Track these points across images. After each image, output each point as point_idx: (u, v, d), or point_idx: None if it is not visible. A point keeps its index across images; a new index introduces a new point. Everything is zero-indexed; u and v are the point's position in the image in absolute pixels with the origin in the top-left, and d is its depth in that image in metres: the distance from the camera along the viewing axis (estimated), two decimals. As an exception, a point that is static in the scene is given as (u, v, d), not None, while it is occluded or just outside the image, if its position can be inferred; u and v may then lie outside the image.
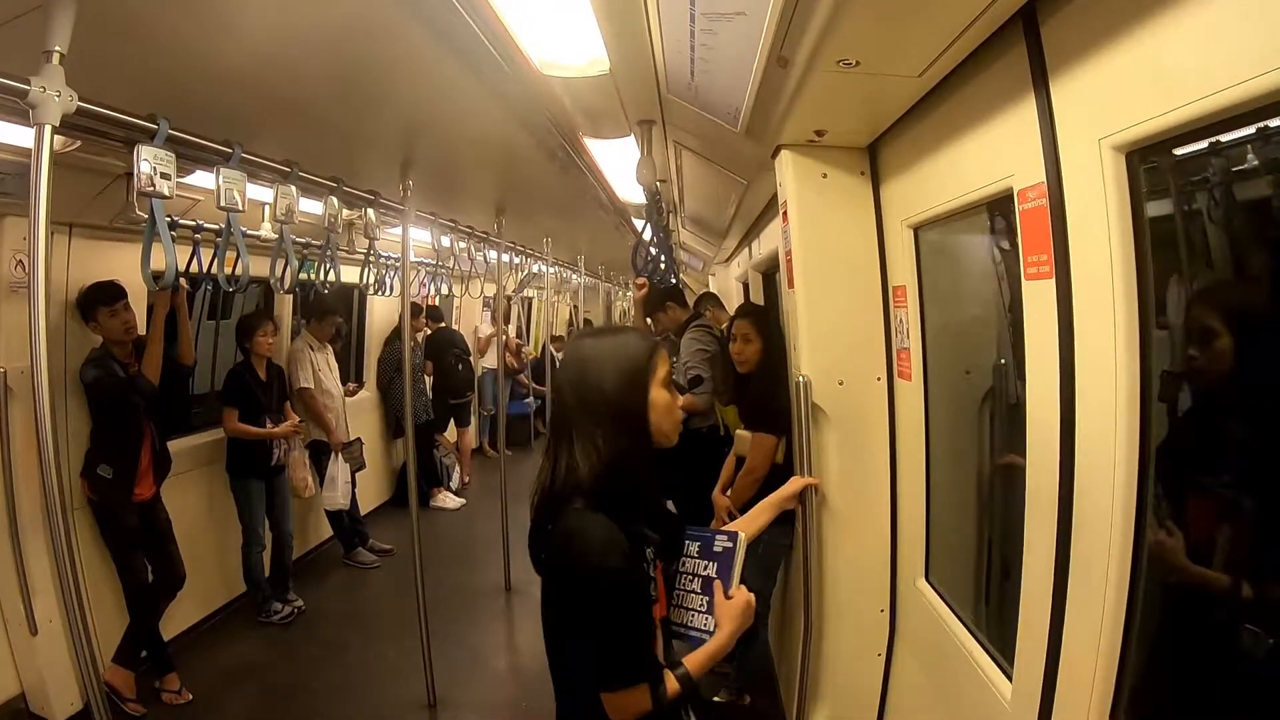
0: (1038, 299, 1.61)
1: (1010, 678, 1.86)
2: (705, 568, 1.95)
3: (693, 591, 1.94)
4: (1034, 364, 1.67)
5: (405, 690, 4.42)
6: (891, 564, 2.68)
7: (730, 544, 1.96)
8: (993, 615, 2.26)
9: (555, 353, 9.99)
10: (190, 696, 4.32)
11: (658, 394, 1.71)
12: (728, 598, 1.88)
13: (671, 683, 1.70)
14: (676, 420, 1.77)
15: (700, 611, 1.91)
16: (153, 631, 4.31)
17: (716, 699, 3.84)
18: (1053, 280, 1.54)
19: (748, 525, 2.22)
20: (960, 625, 2.24)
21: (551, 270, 9.80)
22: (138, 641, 4.22)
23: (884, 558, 2.68)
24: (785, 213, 2.67)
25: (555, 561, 1.64)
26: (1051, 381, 1.56)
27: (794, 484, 2.55)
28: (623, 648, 1.62)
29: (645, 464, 1.73)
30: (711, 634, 1.85)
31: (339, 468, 6.18)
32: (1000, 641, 2.01)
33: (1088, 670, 1.48)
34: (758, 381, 3.65)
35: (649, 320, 5.07)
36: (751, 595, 1.90)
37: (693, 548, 1.95)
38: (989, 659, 2.03)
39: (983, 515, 2.48)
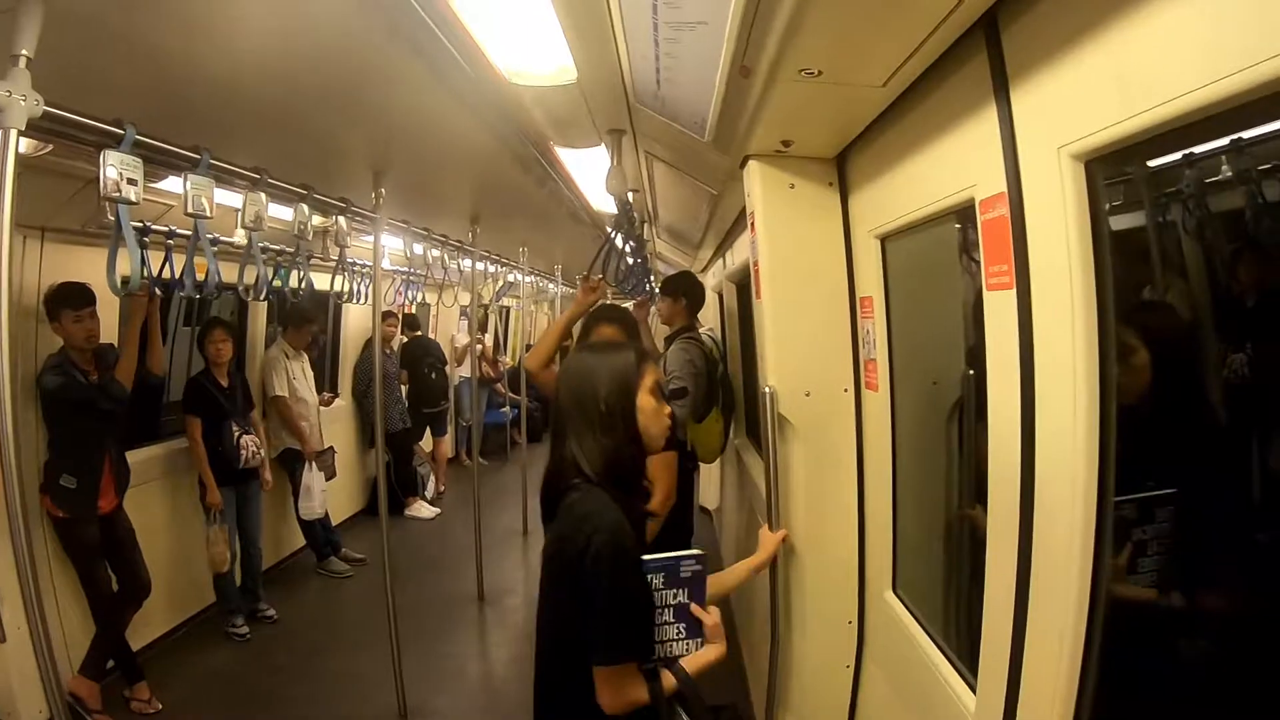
0: (999, 309, 1.60)
1: (975, 690, 1.85)
2: (675, 596, 1.95)
3: (667, 622, 1.94)
4: (995, 375, 1.66)
5: (377, 700, 4.41)
6: (859, 576, 2.66)
7: (699, 566, 1.98)
8: (961, 628, 2.26)
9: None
10: (160, 706, 4.31)
11: (645, 400, 1.92)
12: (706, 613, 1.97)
13: (669, 679, 1.85)
14: (664, 425, 1.97)
15: (679, 640, 1.96)
16: (119, 641, 4.28)
17: None
18: (1013, 291, 1.53)
19: (717, 585, 2.22)
20: (926, 638, 2.23)
21: (528, 280, 9.78)
22: (104, 652, 4.19)
23: (851, 569, 2.66)
24: (753, 223, 2.66)
25: (567, 539, 1.78)
26: (1012, 392, 1.55)
27: (768, 544, 2.54)
28: (626, 622, 1.76)
29: (637, 464, 1.94)
30: None
31: (314, 477, 6.16)
32: (968, 654, 2.00)
33: (1050, 682, 1.47)
34: None
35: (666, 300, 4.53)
36: (718, 613, 2.00)
37: (657, 580, 1.93)
38: (954, 671, 2.02)
39: (950, 527, 2.47)
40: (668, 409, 1.98)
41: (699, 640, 1.96)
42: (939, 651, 2.15)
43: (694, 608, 1.96)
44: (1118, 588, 1.50)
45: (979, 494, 1.88)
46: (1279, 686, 1.46)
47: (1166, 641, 1.71)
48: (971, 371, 2.23)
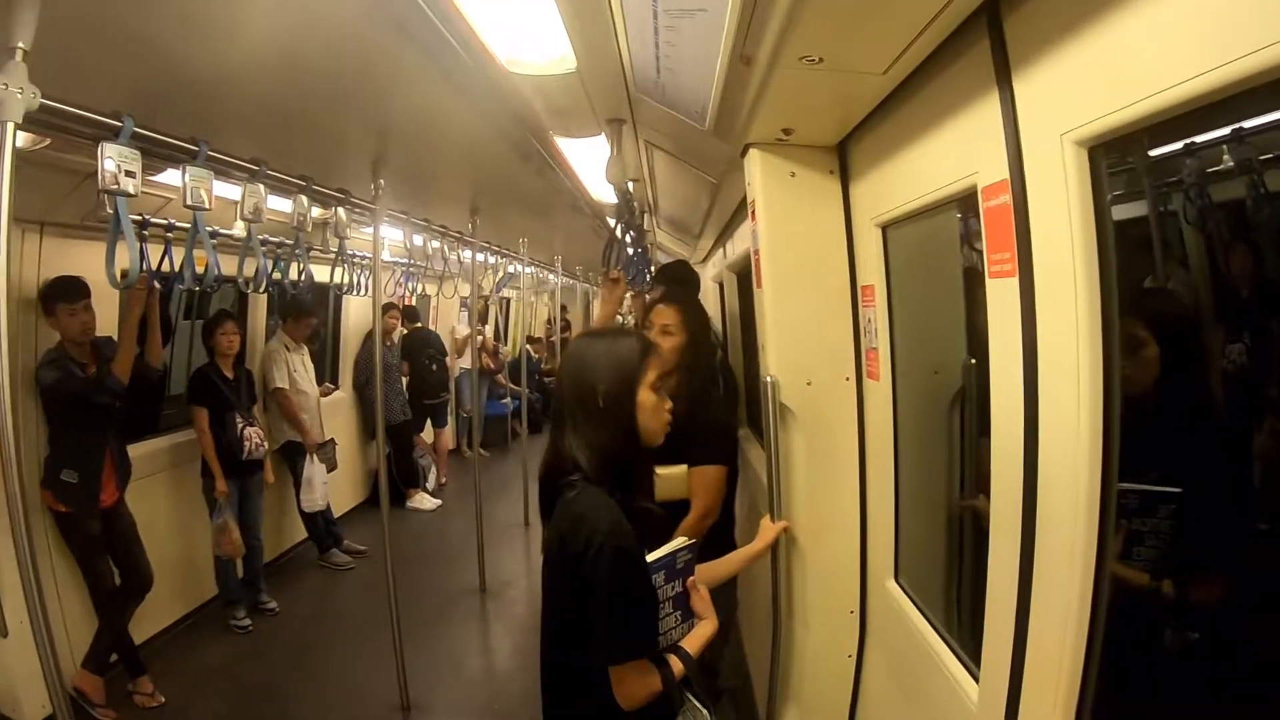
0: (1001, 297, 1.59)
1: (977, 679, 1.84)
2: (674, 589, 1.98)
3: (668, 614, 1.97)
4: (998, 363, 1.65)
5: (378, 693, 4.43)
6: (861, 565, 2.66)
7: (690, 555, 2.02)
8: (963, 617, 2.25)
9: (533, 354, 9.96)
10: (163, 699, 4.33)
11: (645, 395, 1.90)
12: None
13: (675, 664, 1.88)
14: (664, 422, 1.96)
15: (677, 627, 2.00)
16: (122, 635, 4.29)
17: None
18: (1015, 278, 1.52)
19: (711, 573, 2.22)
20: (929, 626, 2.23)
21: (528, 271, 9.77)
22: (106, 646, 4.20)
23: (854, 558, 2.66)
24: (753, 212, 2.65)
25: (566, 541, 1.77)
26: (1015, 380, 1.54)
27: (767, 534, 2.55)
28: (633, 620, 1.77)
29: (634, 458, 1.94)
30: None
31: (315, 469, 6.16)
32: (970, 643, 2.00)
33: (1053, 671, 1.47)
34: (686, 394, 3.01)
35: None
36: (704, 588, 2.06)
37: (658, 578, 1.94)
38: (956, 661, 2.02)
39: (952, 515, 2.46)
40: (668, 405, 1.97)
41: (690, 622, 2.02)
42: (941, 640, 2.15)
43: (688, 584, 2.01)
44: (1122, 575, 1.50)
45: (981, 483, 1.88)
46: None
47: (1169, 630, 1.71)
48: (974, 360, 2.22)
